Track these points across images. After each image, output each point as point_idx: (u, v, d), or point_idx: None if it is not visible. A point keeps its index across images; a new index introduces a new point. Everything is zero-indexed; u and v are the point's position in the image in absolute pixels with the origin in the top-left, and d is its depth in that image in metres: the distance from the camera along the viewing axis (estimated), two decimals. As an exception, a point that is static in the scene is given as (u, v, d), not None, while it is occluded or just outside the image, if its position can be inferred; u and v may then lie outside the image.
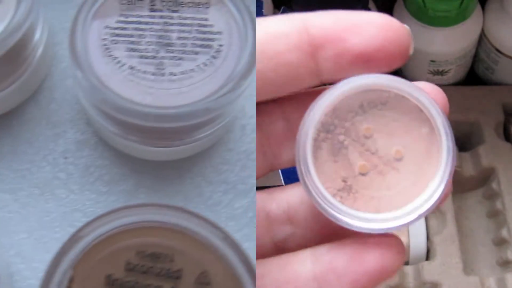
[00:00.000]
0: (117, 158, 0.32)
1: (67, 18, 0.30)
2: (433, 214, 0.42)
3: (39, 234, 0.30)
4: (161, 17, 0.30)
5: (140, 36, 0.30)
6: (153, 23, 0.30)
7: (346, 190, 0.19)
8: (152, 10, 0.31)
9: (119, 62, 0.29)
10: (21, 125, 0.32)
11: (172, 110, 0.28)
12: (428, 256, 0.41)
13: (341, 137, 0.19)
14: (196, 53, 0.30)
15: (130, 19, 0.30)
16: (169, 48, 0.30)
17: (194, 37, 0.30)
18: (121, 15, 0.30)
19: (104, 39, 0.30)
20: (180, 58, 0.30)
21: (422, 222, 0.42)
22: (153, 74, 0.29)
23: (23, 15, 0.29)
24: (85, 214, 0.30)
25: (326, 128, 0.19)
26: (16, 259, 0.29)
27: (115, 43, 0.30)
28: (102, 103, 0.29)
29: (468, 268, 0.42)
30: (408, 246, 0.41)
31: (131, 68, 0.29)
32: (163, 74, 0.29)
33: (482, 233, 0.45)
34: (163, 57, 0.30)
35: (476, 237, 0.44)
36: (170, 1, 0.31)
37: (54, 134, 0.32)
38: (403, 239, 0.41)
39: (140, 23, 0.30)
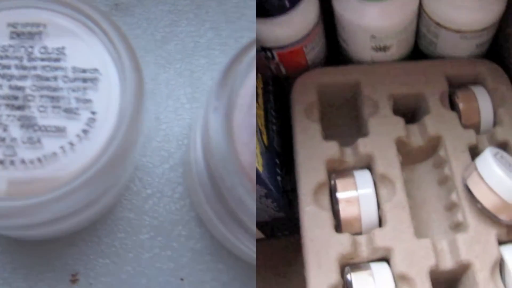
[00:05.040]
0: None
1: None
2: (383, 183, 0.43)
3: None
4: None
5: None
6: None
7: None
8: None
9: None
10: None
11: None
12: (380, 224, 0.42)
13: None
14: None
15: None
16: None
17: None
18: None
19: None
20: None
21: (372, 192, 0.42)
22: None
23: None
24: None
25: None
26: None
27: None
28: None
29: (421, 234, 0.42)
30: (360, 216, 0.41)
31: None
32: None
33: (434, 201, 0.45)
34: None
35: (429, 206, 0.45)
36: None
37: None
38: (354, 210, 0.41)
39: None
